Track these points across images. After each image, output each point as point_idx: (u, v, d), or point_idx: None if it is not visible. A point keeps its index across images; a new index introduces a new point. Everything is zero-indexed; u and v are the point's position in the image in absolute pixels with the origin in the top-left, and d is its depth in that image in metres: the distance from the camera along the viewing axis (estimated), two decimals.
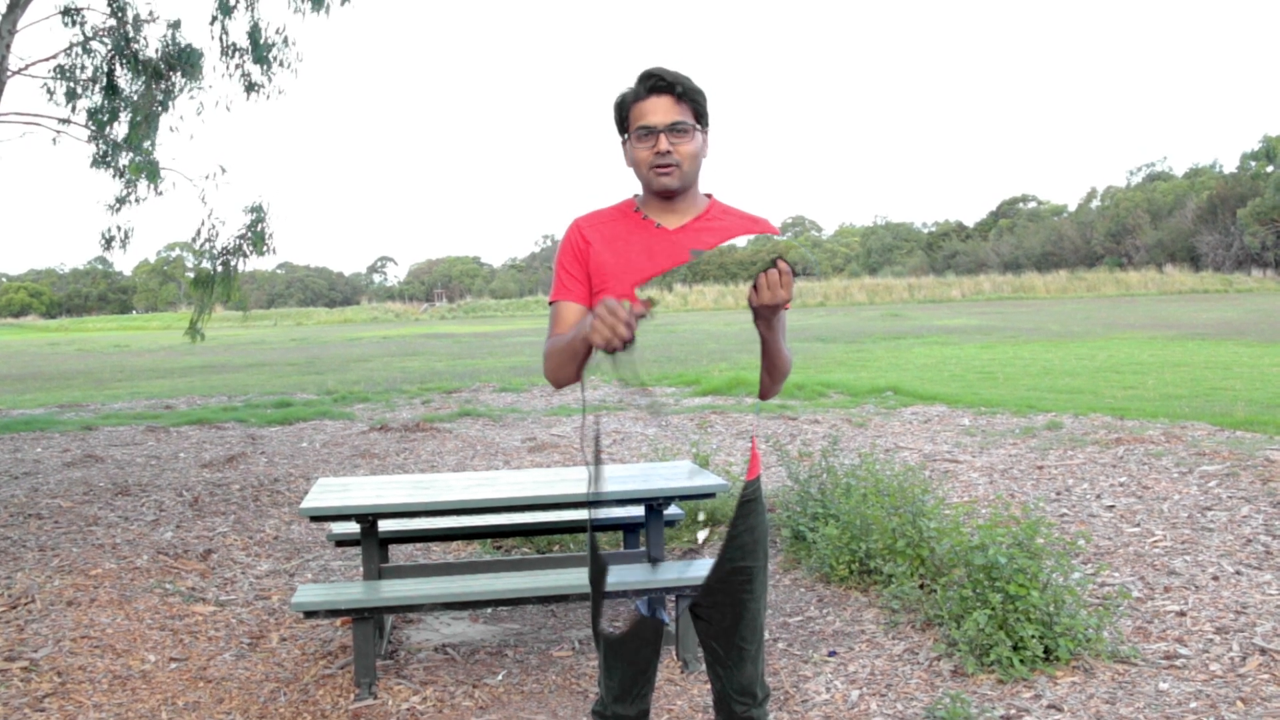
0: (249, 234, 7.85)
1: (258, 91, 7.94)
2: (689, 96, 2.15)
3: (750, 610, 2.24)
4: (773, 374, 2.21)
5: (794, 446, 7.15)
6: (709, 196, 2.28)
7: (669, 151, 2.14)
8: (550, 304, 2.25)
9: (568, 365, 2.13)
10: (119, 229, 8.11)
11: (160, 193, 7.89)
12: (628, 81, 2.19)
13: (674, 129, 2.13)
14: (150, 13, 8.05)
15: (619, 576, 3.71)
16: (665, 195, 2.19)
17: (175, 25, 7.87)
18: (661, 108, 2.13)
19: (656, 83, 2.13)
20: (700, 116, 2.18)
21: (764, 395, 2.28)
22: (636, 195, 2.28)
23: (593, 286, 2.21)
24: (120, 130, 7.91)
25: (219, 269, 7.94)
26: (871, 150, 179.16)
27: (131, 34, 7.83)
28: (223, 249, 7.90)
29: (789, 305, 1.98)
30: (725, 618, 2.24)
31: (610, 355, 1.88)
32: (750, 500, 2.26)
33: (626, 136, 2.20)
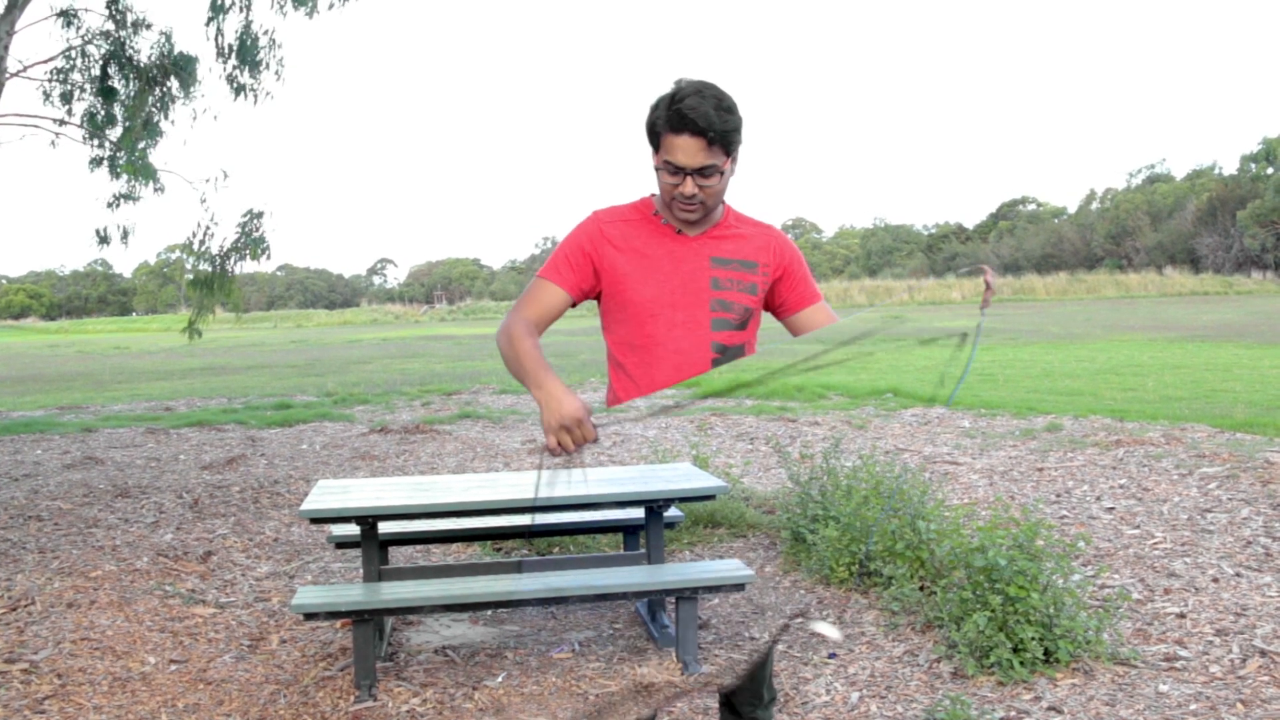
0: (246, 238, 7.87)
1: (245, 95, 7.95)
2: (721, 139, 2.07)
3: None
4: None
5: (794, 448, 7.15)
6: (723, 202, 2.28)
7: (694, 195, 2.11)
8: (537, 277, 2.21)
9: (519, 379, 2.11)
10: (119, 227, 8.11)
11: (159, 189, 7.90)
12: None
13: (702, 173, 2.09)
14: (144, 19, 8.07)
15: (620, 578, 3.72)
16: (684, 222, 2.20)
17: (168, 34, 7.90)
18: (691, 150, 2.07)
19: (690, 125, 2.05)
20: (732, 148, 2.11)
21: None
22: (654, 195, 2.27)
23: (603, 284, 2.19)
24: (117, 133, 7.93)
25: (217, 271, 7.96)
26: (871, 152, 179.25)
27: (128, 39, 7.85)
28: (218, 251, 7.93)
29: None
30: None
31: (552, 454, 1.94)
32: None
33: (656, 153, 2.15)
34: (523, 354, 2.08)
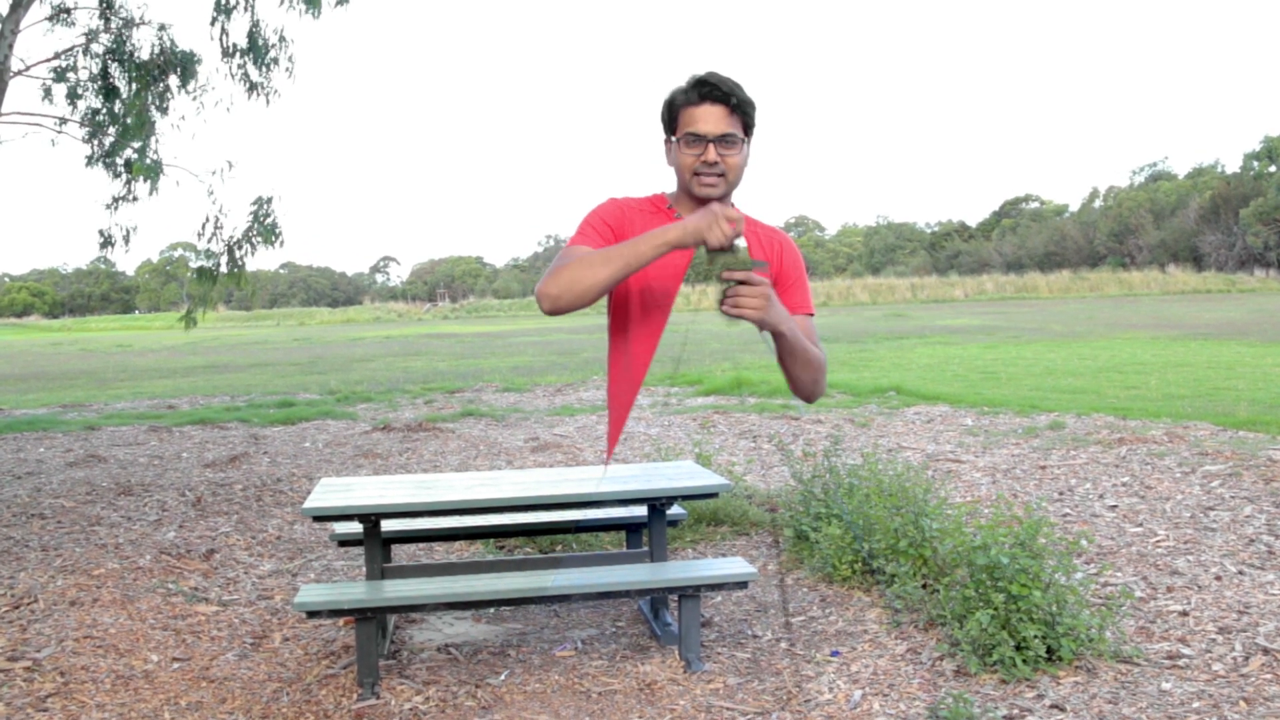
0: (257, 225, 7.82)
1: (259, 92, 7.94)
2: (741, 108, 2.11)
3: None
4: (798, 372, 2.14)
5: (797, 446, 7.15)
6: (732, 204, 2.28)
7: (716, 162, 2.13)
8: (566, 246, 2.16)
9: (607, 270, 1.96)
10: (119, 227, 8.09)
11: (156, 190, 7.87)
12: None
13: (723, 140, 2.11)
14: (141, 16, 8.05)
15: (623, 576, 3.72)
16: (703, 202, 2.18)
17: (163, 28, 7.89)
18: (713, 117, 2.10)
19: (711, 91, 2.10)
20: (749, 128, 2.16)
21: (800, 394, 2.20)
22: (668, 193, 2.28)
23: None
24: (118, 131, 7.91)
25: (225, 261, 7.92)
26: (874, 150, 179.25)
27: (126, 36, 7.84)
28: (228, 240, 7.88)
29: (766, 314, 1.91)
30: None
31: (711, 255, 1.91)
32: None
33: (672, 138, 2.18)
34: (605, 249, 2.00)
